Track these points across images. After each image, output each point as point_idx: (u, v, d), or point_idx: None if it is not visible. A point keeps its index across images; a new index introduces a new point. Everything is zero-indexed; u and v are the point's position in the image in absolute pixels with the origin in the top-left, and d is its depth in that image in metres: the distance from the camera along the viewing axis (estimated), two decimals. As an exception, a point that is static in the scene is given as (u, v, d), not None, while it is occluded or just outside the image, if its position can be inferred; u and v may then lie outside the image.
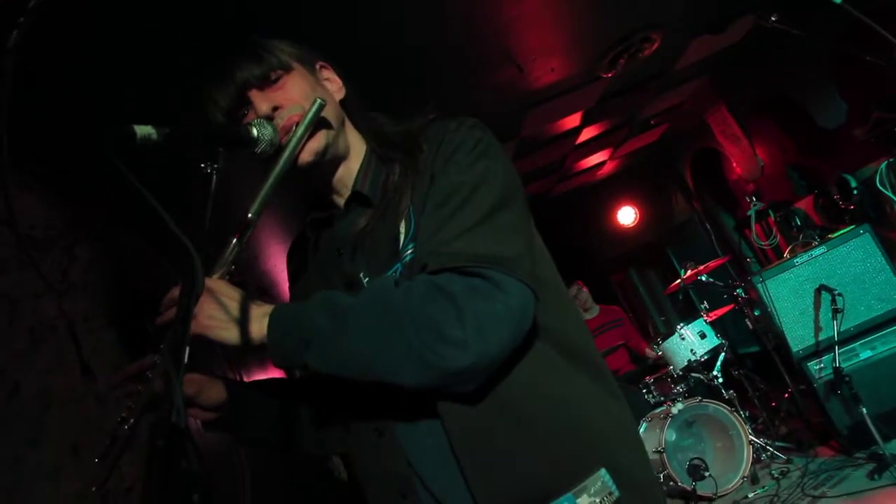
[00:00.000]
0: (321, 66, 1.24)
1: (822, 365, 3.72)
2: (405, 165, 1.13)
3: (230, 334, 1.00)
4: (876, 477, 3.29)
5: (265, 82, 1.12)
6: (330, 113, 1.14)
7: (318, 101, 1.09)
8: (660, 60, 4.00)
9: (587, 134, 5.08)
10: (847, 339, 3.69)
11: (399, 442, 1.09)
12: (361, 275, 1.12)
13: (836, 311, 3.60)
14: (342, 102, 1.24)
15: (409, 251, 1.05)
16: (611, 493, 1.00)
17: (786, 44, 4.58)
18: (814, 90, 4.69)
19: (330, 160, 1.16)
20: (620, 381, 5.32)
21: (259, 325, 1.01)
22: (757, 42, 4.40)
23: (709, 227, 6.20)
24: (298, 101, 1.11)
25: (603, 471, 1.01)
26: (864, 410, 3.43)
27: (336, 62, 1.28)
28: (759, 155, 5.52)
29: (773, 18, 1.64)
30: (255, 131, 1.06)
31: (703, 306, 5.09)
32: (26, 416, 1.75)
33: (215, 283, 1.02)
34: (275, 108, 1.11)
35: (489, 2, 2.82)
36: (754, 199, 5.65)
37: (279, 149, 1.09)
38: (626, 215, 7.03)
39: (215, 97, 1.13)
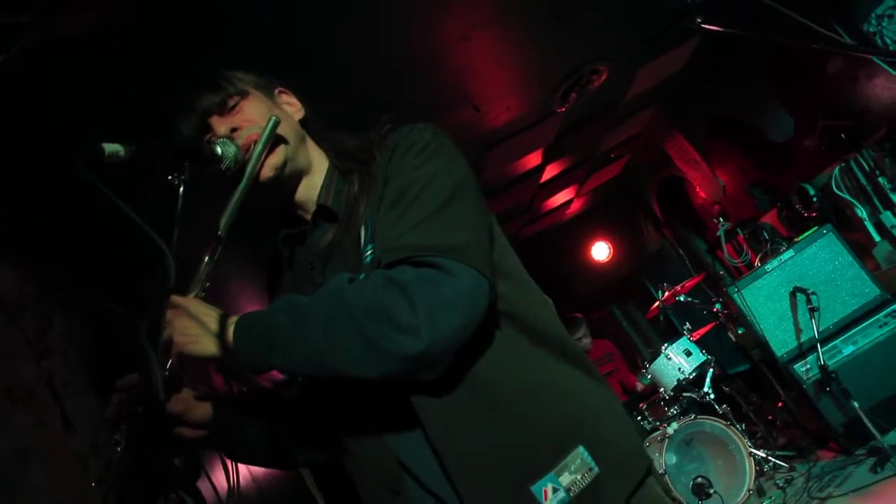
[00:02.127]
0: (280, 91, 1.31)
1: (808, 366, 3.75)
2: (362, 175, 1.17)
3: (203, 348, 1.02)
4: (878, 470, 3.28)
5: (224, 108, 1.18)
6: (287, 130, 1.20)
7: (273, 118, 1.15)
8: (610, 92, 4.18)
9: (550, 172, 5.22)
10: (828, 337, 3.74)
11: (387, 441, 1.10)
12: None
13: (812, 311, 3.67)
14: (303, 122, 1.30)
15: (369, 252, 1.08)
16: (591, 469, 1.02)
17: (725, 67, 4.84)
18: (760, 108, 4.92)
19: (290, 175, 1.20)
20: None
21: (229, 334, 1.03)
22: (699, 68, 4.64)
23: (681, 252, 6.32)
24: (256, 122, 1.17)
25: (581, 448, 1.03)
26: (857, 405, 3.45)
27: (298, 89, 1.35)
28: (719, 176, 5.70)
29: (699, 20, 1.74)
30: (218, 149, 1.12)
31: (685, 327, 5.14)
32: (5, 474, 1.71)
33: (188, 302, 1.04)
34: (233, 130, 1.16)
35: (439, 46, 2.96)
36: (721, 219, 5.79)
37: (244, 165, 1.14)
38: (600, 251, 7.13)
39: (180, 127, 1.18)
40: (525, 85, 3.64)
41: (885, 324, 3.69)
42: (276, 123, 1.15)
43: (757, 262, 4.25)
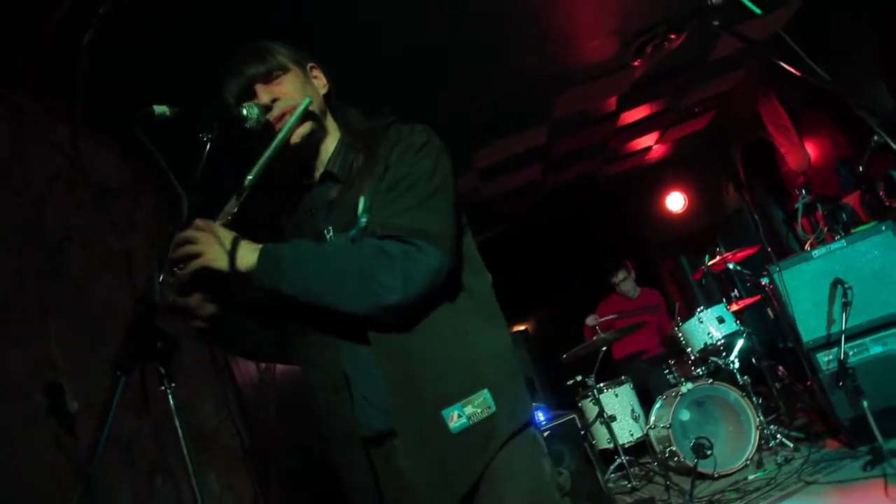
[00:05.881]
0: (311, 67, 1.58)
1: (830, 357, 3.77)
2: (366, 155, 1.47)
3: (222, 264, 1.33)
4: (868, 468, 3.37)
5: (269, 78, 1.47)
6: (315, 106, 1.49)
7: (308, 98, 1.45)
8: (692, 51, 4.09)
9: (627, 118, 5.19)
10: (859, 333, 3.71)
11: (339, 355, 1.43)
12: (326, 231, 1.47)
13: (845, 305, 3.64)
14: (325, 96, 1.58)
15: (364, 219, 1.40)
16: (489, 408, 1.35)
17: (830, 36, 4.52)
18: (861, 84, 4.61)
19: (312, 142, 1.51)
20: (643, 364, 5.49)
21: (249, 256, 1.35)
22: (800, 33, 4.37)
23: (757, 218, 6.15)
24: (292, 96, 1.46)
25: (486, 391, 1.36)
26: (866, 404, 3.49)
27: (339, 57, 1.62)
28: (806, 147, 5.44)
29: (715, 23, 1.81)
30: (244, 111, 1.41)
31: (734, 294, 5.15)
32: (93, 321, 2.22)
33: (214, 226, 1.36)
34: (274, 100, 1.45)
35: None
36: (804, 191, 5.57)
37: (265, 127, 1.44)
38: (675, 201, 7.02)
39: (229, 85, 1.48)
40: (599, 34, 3.65)
41: (921, 334, 3.62)
42: (310, 103, 1.45)
43: (807, 247, 4.18)
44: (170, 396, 1.18)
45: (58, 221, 2.20)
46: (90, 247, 2.41)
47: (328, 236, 1.47)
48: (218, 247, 1.34)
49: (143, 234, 3.02)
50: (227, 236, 1.36)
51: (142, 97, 2.51)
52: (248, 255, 1.35)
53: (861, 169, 2.45)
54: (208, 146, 1.37)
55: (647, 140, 6.10)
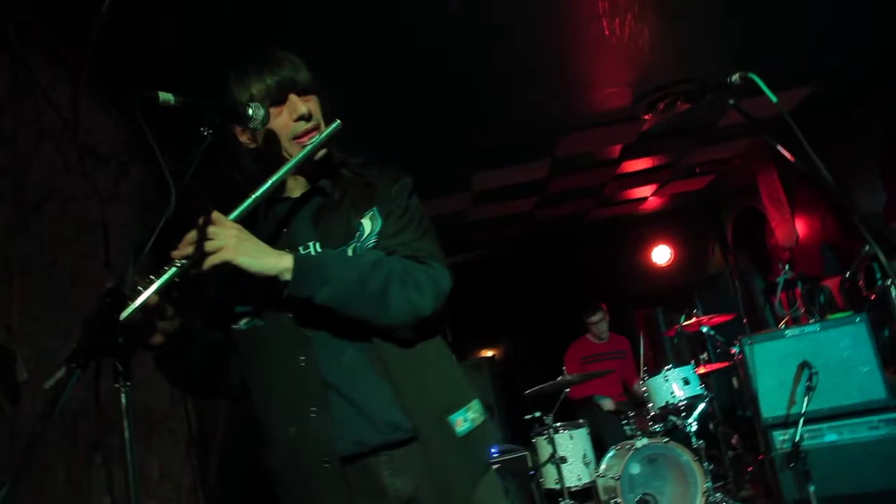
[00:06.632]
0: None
1: (785, 437, 3.80)
2: (355, 184, 1.50)
3: (254, 263, 1.29)
4: (805, 555, 3.39)
5: (303, 91, 1.46)
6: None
7: (338, 122, 1.44)
8: (702, 114, 4.13)
9: (631, 167, 5.23)
10: (817, 418, 3.75)
11: (318, 367, 1.39)
12: (308, 245, 1.45)
13: (808, 388, 3.68)
14: None
15: (373, 241, 1.44)
16: (482, 414, 1.51)
17: (836, 124, 4.61)
18: (857, 174, 4.69)
19: (324, 163, 1.49)
20: (603, 411, 5.50)
21: (279, 259, 1.31)
22: (808, 116, 4.44)
23: (738, 284, 6.22)
24: (318, 116, 1.47)
25: (476, 400, 1.52)
26: (812, 489, 3.52)
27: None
28: (796, 224, 5.52)
29: (730, 101, 1.83)
30: (251, 111, 1.36)
31: (703, 357, 5.18)
32: (56, 286, 2.16)
33: (236, 224, 1.30)
34: (310, 113, 1.44)
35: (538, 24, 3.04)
36: (787, 267, 5.64)
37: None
38: (661, 254, 7.08)
39: (260, 78, 1.42)
40: (615, 83, 3.68)
41: (877, 427, 3.66)
42: (339, 126, 1.44)
43: (782, 325, 4.23)
44: (122, 395, 1.14)
45: (42, 179, 2.15)
46: (68, 211, 2.35)
47: (303, 252, 1.44)
48: (246, 244, 1.30)
49: (124, 207, 2.95)
50: (248, 235, 1.32)
51: (151, 69, 2.52)
52: (277, 257, 1.31)
53: (847, 274, 2.47)
54: (207, 140, 1.31)
55: (644, 191, 6.15)
